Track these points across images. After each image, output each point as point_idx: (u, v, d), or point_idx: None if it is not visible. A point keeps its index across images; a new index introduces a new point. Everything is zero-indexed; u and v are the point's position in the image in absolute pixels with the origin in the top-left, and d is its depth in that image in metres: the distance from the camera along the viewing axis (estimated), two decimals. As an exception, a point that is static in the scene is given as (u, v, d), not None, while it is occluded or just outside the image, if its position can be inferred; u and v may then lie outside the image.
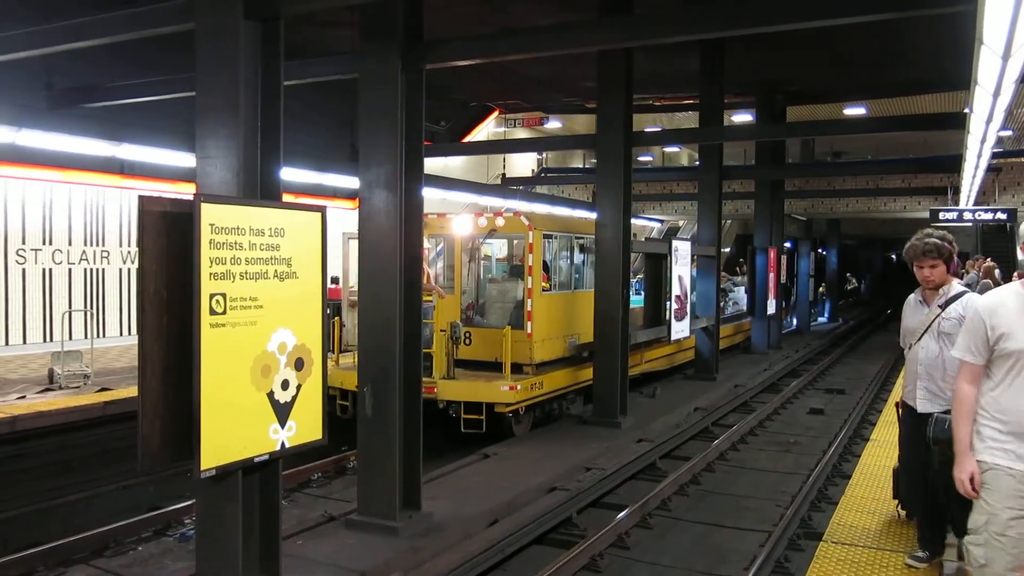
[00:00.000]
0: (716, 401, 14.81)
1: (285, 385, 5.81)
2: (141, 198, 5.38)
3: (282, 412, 5.79)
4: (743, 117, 25.18)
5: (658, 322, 15.70)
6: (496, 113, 27.38)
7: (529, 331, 11.66)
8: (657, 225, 33.69)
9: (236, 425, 5.46)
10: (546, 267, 12.59)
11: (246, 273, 5.51)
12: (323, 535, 7.31)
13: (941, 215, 20.54)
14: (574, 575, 7.07)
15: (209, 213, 5.25)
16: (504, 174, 28.84)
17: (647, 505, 8.70)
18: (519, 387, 11.07)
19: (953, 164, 20.57)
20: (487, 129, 27.81)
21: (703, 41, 16.40)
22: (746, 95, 22.39)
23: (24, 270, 14.33)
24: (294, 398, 5.88)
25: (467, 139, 25.89)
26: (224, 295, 5.35)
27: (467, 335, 12.01)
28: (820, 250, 42.15)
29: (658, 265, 16.10)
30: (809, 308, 30.73)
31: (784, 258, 25.19)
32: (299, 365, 5.93)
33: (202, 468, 5.25)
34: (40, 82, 13.20)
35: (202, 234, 5.20)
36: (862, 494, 6.91)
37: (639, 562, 7.52)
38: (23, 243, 14.29)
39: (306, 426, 5.99)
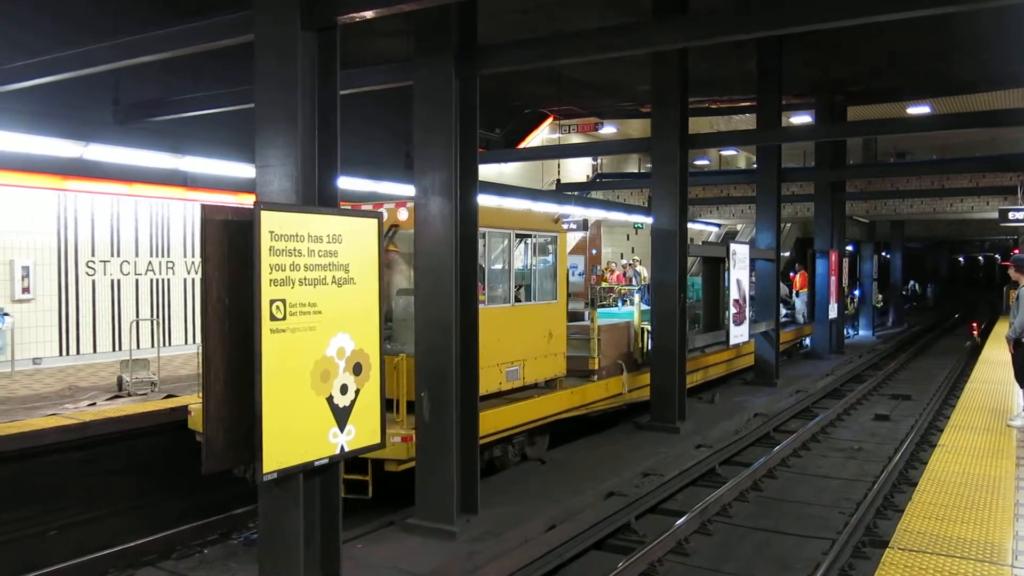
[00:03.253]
0: (777, 407, 14.52)
1: (344, 390, 5.88)
2: (203, 207, 5.52)
3: (341, 416, 5.86)
4: (802, 119, 24.72)
5: (716, 327, 15.48)
6: (550, 119, 27.37)
7: None
8: (714, 229, 33.25)
9: (296, 429, 5.55)
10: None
11: (305, 279, 5.60)
12: (381, 539, 7.36)
13: (1011, 215, 19.85)
14: (622, 581, 6.99)
15: (269, 220, 5.35)
16: (559, 180, 28.79)
17: (707, 511, 8.57)
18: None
19: (1022, 162, 19.89)
20: (541, 135, 27.80)
21: (760, 41, 16.17)
22: (805, 96, 21.98)
23: (94, 281, 14.80)
24: (353, 402, 5.95)
25: (521, 145, 25.92)
26: (284, 301, 5.44)
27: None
28: (883, 253, 41.08)
29: (716, 269, 15.87)
30: (873, 312, 29.93)
31: (846, 261, 24.61)
32: (357, 370, 5.99)
33: (264, 471, 5.35)
34: (108, 98, 13.62)
35: (262, 241, 5.30)
36: (931, 500, 6.69)
37: (699, 568, 7.41)
38: (92, 255, 14.75)
39: (365, 430, 6.05)
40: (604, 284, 22.44)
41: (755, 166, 20.91)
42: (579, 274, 26.67)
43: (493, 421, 9.08)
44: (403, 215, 9.16)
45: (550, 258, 10.82)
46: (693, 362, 14.09)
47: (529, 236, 10.38)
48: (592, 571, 7.13)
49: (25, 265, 13.62)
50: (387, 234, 9.04)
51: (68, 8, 13.04)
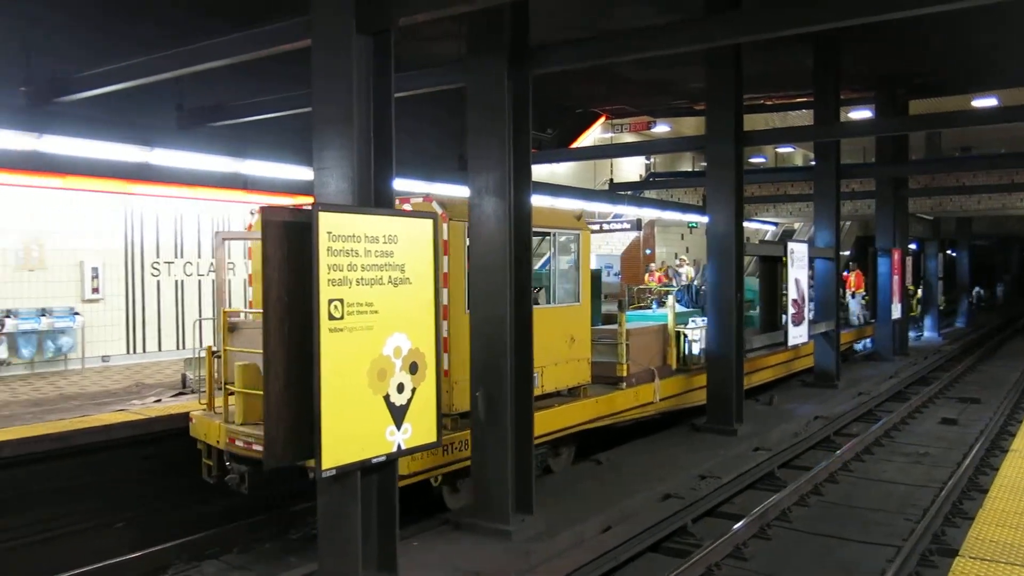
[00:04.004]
0: (838, 409, 14.19)
1: (400, 388, 5.94)
2: (263, 209, 5.63)
3: (398, 415, 5.92)
4: (861, 113, 24.11)
5: (774, 327, 15.21)
6: (603, 119, 27.23)
7: (446, 367, 7.94)
8: (771, 228, 32.71)
9: (354, 427, 5.62)
10: None
11: (362, 279, 5.67)
12: (437, 537, 7.40)
13: (1085, 210, 19.08)
14: (691, 584, 6.91)
15: (327, 221, 5.43)
16: (612, 179, 28.65)
17: (765, 516, 8.42)
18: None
19: (1098, 155, 19.08)
20: (593, 135, 27.68)
21: (817, 35, 15.83)
22: (864, 90, 21.44)
23: (159, 282, 15.23)
24: (409, 401, 6.01)
25: (573, 145, 25.84)
26: (342, 300, 5.52)
27: None
28: (950, 251, 39.88)
29: (773, 269, 15.61)
30: (939, 312, 29.07)
31: (909, 260, 23.95)
32: (413, 369, 6.04)
33: (323, 468, 5.43)
34: (171, 103, 13.98)
35: (320, 242, 5.38)
36: (1003, 507, 6.46)
37: (757, 574, 7.28)
38: (157, 256, 15.18)
39: (421, 429, 6.10)
40: (644, 285, 21.73)
41: (813, 163, 20.45)
42: (614, 274, 25.77)
43: None
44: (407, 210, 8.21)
45: (572, 258, 10.21)
46: (750, 363, 13.86)
47: (548, 234, 9.78)
48: (648, 574, 7.07)
49: (95, 267, 14.09)
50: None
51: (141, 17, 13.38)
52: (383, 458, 5.86)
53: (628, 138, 28.29)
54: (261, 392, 7.35)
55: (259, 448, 7.29)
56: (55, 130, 11.47)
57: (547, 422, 9.16)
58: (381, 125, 6.08)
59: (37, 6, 12.59)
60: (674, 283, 20.80)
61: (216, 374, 8.59)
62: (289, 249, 5.74)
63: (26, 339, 13.03)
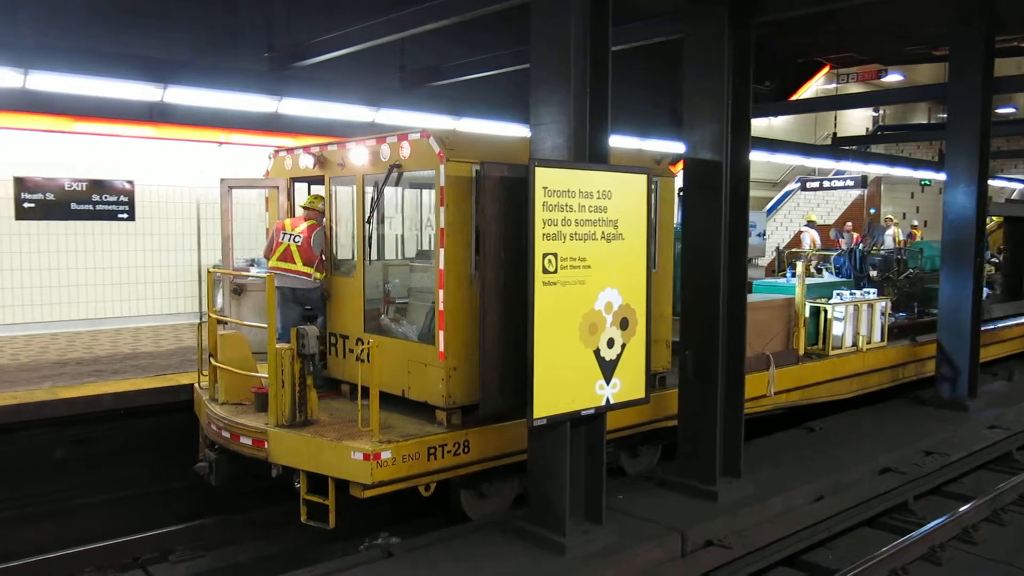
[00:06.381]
0: (1093, 389, 12.67)
1: (611, 343, 5.99)
2: (482, 164, 5.83)
3: (607, 369, 5.99)
4: None
5: (1019, 295, 13.77)
6: (826, 69, 25.57)
7: (441, 348, 6.65)
8: (1019, 186, 29.45)
9: (565, 379, 5.75)
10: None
11: (575, 234, 5.74)
12: (641, 493, 7.43)
13: None
14: (910, 564, 6.52)
15: (542, 176, 5.54)
16: (835, 133, 26.94)
17: (1000, 499, 7.76)
18: (389, 456, 6.18)
19: None
20: (815, 86, 26.09)
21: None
22: None
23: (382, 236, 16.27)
24: (619, 356, 6.06)
25: (794, 98, 24.49)
26: (555, 255, 5.63)
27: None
28: None
29: (1020, 232, 14.08)
30: None
31: None
32: (624, 324, 6.07)
33: (535, 417, 5.62)
34: (395, 65, 14.76)
35: (536, 197, 5.50)
36: None
37: (990, 561, 6.73)
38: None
39: (630, 384, 6.14)
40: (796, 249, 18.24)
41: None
42: (758, 234, 22.35)
43: (509, 439, 6.85)
44: (406, 151, 6.94)
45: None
46: (988, 335, 12.63)
47: None
48: (865, 547, 6.74)
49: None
50: (388, 176, 7.17)
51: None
52: (592, 411, 5.96)
53: (854, 88, 26.43)
54: (246, 369, 7.17)
55: (227, 435, 6.87)
56: (293, 93, 12.45)
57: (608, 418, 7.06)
58: (597, 79, 6.06)
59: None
60: (843, 244, 17.96)
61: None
62: (506, 204, 5.93)
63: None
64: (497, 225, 5.95)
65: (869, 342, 10.98)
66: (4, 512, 8.00)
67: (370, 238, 7.63)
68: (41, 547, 7.28)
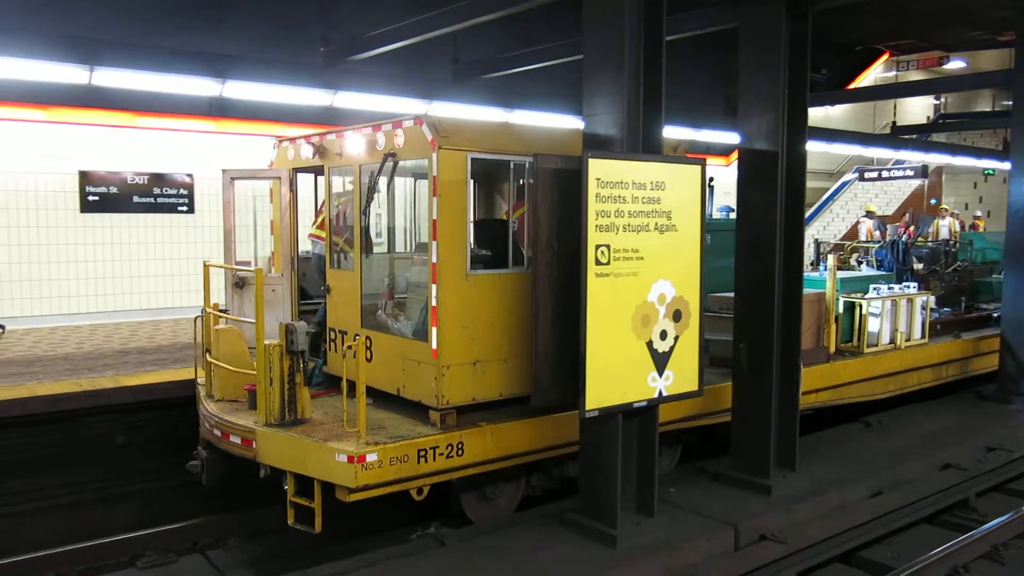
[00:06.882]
0: None
1: (663, 335, 5.96)
2: (536, 156, 5.83)
3: (660, 361, 5.96)
4: None
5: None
6: (885, 56, 24.96)
7: (434, 346, 6.34)
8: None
9: (617, 371, 5.74)
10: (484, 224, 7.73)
11: (628, 225, 5.72)
12: (693, 486, 7.38)
13: None
14: (972, 562, 6.37)
15: (596, 168, 5.52)
16: (894, 122, 26.30)
17: (1069, 498, 7.53)
18: (375, 458, 5.84)
19: None
20: (873, 74, 25.48)
21: None
22: None
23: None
24: (672, 348, 6.02)
25: (852, 86, 23.97)
26: (608, 246, 5.62)
27: (367, 344, 6.83)
28: None
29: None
30: None
31: None
32: (677, 316, 6.04)
33: (586, 408, 5.62)
34: (448, 58, 14.84)
35: (589, 188, 5.49)
36: None
37: (1056, 562, 6.55)
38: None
39: (683, 377, 6.11)
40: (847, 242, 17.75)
41: None
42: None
43: (507, 441, 6.48)
44: (400, 139, 6.61)
45: None
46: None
47: None
48: (923, 545, 6.60)
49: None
50: (382, 165, 6.81)
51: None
52: (644, 403, 5.94)
53: (915, 76, 25.75)
54: (241, 365, 6.80)
55: (218, 433, 6.67)
56: (348, 87, 12.60)
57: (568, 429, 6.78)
58: (651, 69, 6.02)
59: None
60: (887, 235, 16.67)
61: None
62: (559, 195, 5.92)
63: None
64: (550, 217, 5.95)
65: (908, 339, 10.40)
66: (69, 496, 8.28)
67: (366, 230, 7.23)
68: (107, 530, 7.53)
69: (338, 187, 7.89)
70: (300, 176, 8.44)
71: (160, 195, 13.95)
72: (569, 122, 13.89)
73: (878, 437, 9.16)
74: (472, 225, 6.61)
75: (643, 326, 5.85)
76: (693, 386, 6.24)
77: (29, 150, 12.74)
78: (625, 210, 5.70)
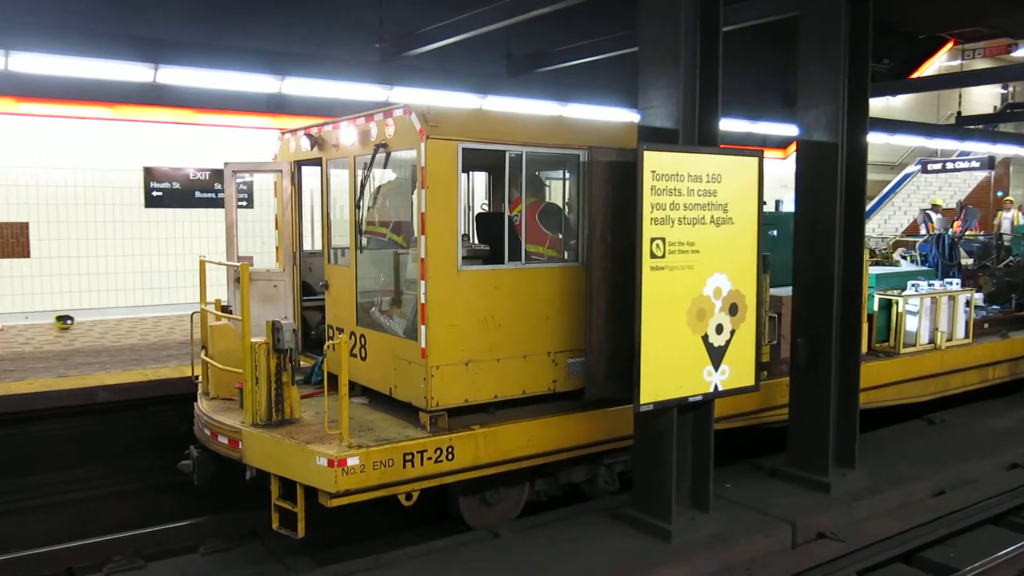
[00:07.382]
0: None
1: (719, 329, 5.90)
2: (591, 149, 5.82)
3: (716, 356, 5.91)
4: None
5: None
6: (950, 44, 24.24)
7: (423, 345, 6.05)
8: None
9: (672, 365, 5.71)
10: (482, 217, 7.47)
11: (684, 218, 5.67)
12: (750, 482, 7.29)
13: None
14: (1040, 566, 6.19)
15: (651, 160, 5.49)
16: (959, 112, 25.53)
17: None
18: (357, 462, 5.57)
19: None
20: (937, 63, 24.77)
21: None
22: None
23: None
24: (727, 343, 5.96)
25: (915, 75, 23.34)
26: (663, 239, 5.58)
27: (362, 343, 6.84)
28: None
29: None
30: None
31: None
32: (733, 310, 5.97)
33: (641, 403, 5.60)
34: (501, 52, 14.86)
35: (644, 180, 5.46)
36: None
37: None
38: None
39: (739, 371, 6.05)
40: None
41: None
42: None
43: (504, 444, 6.19)
44: (390, 129, 6.37)
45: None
46: None
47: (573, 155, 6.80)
48: (987, 547, 6.43)
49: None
50: (374, 156, 6.51)
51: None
52: (700, 398, 5.90)
53: (981, 64, 24.95)
54: (236, 362, 6.35)
55: (208, 432, 6.52)
56: (403, 82, 12.72)
57: (606, 424, 6.62)
58: (708, 61, 5.94)
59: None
60: (923, 229, 16.10)
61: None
62: (614, 188, 5.90)
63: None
64: (605, 209, 5.93)
65: (950, 339, 9.79)
66: (136, 483, 8.55)
67: (360, 224, 6.93)
68: (173, 515, 7.75)
69: (337, 180, 7.50)
70: (306, 169, 8.12)
71: (221, 190, 14.27)
72: (624, 115, 13.84)
73: (941, 435, 8.94)
74: (474, 220, 6.37)
75: (698, 320, 5.80)
76: (750, 381, 6.16)
77: (96, 147, 13.15)
78: (680, 203, 5.65)
